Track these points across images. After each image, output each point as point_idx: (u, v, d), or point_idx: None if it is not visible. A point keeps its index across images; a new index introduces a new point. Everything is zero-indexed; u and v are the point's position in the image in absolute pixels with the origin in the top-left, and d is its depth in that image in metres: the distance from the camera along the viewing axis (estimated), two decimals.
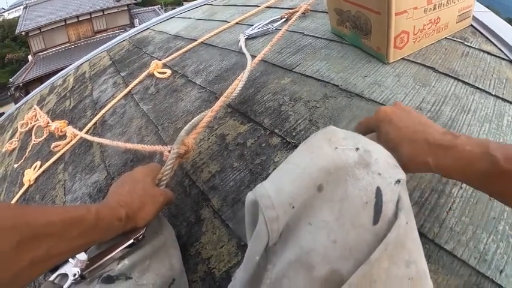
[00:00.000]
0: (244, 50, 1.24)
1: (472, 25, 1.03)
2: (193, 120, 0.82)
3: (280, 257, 0.35)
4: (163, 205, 0.64)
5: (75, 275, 0.50)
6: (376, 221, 0.33)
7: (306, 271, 0.33)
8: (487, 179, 0.40)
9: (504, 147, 0.39)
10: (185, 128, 0.79)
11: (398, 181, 0.36)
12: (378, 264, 0.31)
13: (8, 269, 0.36)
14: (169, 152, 0.75)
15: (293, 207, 0.34)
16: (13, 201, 1.38)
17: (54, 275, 0.51)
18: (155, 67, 1.50)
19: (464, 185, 0.60)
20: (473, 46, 0.95)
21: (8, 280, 0.36)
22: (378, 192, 0.34)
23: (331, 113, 0.84)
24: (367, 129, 0.56)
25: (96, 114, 1.49)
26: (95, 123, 1.43)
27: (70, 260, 0.52)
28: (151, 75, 1.52)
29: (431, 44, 0.96)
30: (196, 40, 1.62)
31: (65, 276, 0.51)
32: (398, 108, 0.53)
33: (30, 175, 1.42)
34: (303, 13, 1.40)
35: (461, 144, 0.42)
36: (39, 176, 1.40)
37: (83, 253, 0.53)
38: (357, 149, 0.37)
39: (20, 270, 0.37)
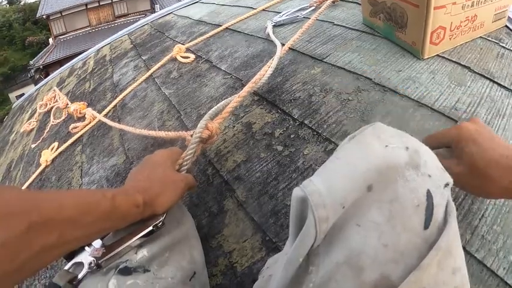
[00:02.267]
0: (273, 36, 1.19)
1: (506, 26, 0.98)
2: (218, 105, 0.78)
3: (324, 259, 0.33)
4: (185, 191, 0.60)
5: (90, 263, 0.48)
6: (427, 225, 0.31)
7: (355, 274, 0.30)
8: None
9: None
10: (209, 112, 0.74)
11: (447, 184, 0.34)
12: (428, 270, 0.29)
13: (16, 256, 0.33)
14: (191, 136, 0.71)
15: (343, 207, 0.32)
16: (29, 181, 1.37)
17: (70, 264, 0.49)
18: (178, 51, 1.46)
19: None
20: (509, 48, 0.89)
21: (17, 267, 0.33)
22: (429, 195, 0.32)
23: (364, 107, 0.80)
24: (440, 143, 0.53)
25: (116, 97, 1.46)
26: (115, 105, 1.41)
27: (86, 248, 0.49)
28: (174, 60, 1.48)
29: (466, 42, 0.92)
30: (221, 26, 1.57)
31: (80, 264, 0.48)
32: (481, 127, 0.50)
33: (47, 155, 1.41)
34: (333, 2, 1.35)
35: None
36: (56, 157, 1.39)
37: (99, 241, 0.50)
38: (407, 148, 0.35)
39: (30, 257, 0.34)
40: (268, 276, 0.51)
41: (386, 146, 0.35)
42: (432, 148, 0.52)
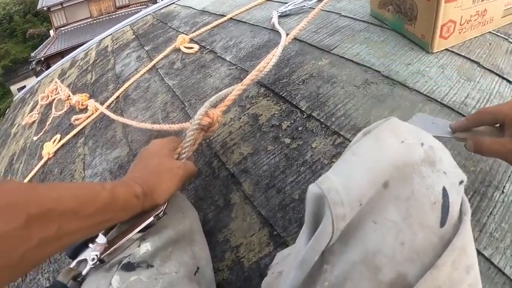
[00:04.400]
0: (278, 26, 1.17)
1: None
2: (220, 93, 0.75)
3: (340, 257, 0.32)
4: (184, 179, 0.59)
5: (93, 259, 0.47)
6: (443, 223, 0.31)
7: (371, 274, 0.30)
8: None
9: None
10: (210, 99, 0.72)
11: (461, 182, 0.34)
12: (444, 269, 0.29)
13: (15, 249, 0.33)
14: (191, 124, 0.69)
15: (361, 204, 0.31)
16: (32, 174, 1.36)
17: (74, 262, 0.49)
18: (182, 41, 1.44)
19: (505, 190, 0.57)
20: None
21: (17, 260, 0.33)
22: (445, 193, 0.32)
23: (372, 100, 0.78)
24: (492, 119, 0.52)
25: (119, 88, 1.44)
26: (118, 97, 1.39)
27: (90, 245, 0.49)
28: (177, 50, 1.46)
29: (475, 37, 0.90)
30: (225, 16, 1.54)
31: (84, 261, 0.48)
32: None
33: (49, 148, 1.39)
34: None
35: None
36: (58, 149, 1.38)
37: (103, 237, 0.50)
38: (422, 144, 0.34)
39: (30, 250, 0.34)
40: (278, 273, 0.49)
41: (403, 141, 0.34)
42: (478, 125, 0.55)
